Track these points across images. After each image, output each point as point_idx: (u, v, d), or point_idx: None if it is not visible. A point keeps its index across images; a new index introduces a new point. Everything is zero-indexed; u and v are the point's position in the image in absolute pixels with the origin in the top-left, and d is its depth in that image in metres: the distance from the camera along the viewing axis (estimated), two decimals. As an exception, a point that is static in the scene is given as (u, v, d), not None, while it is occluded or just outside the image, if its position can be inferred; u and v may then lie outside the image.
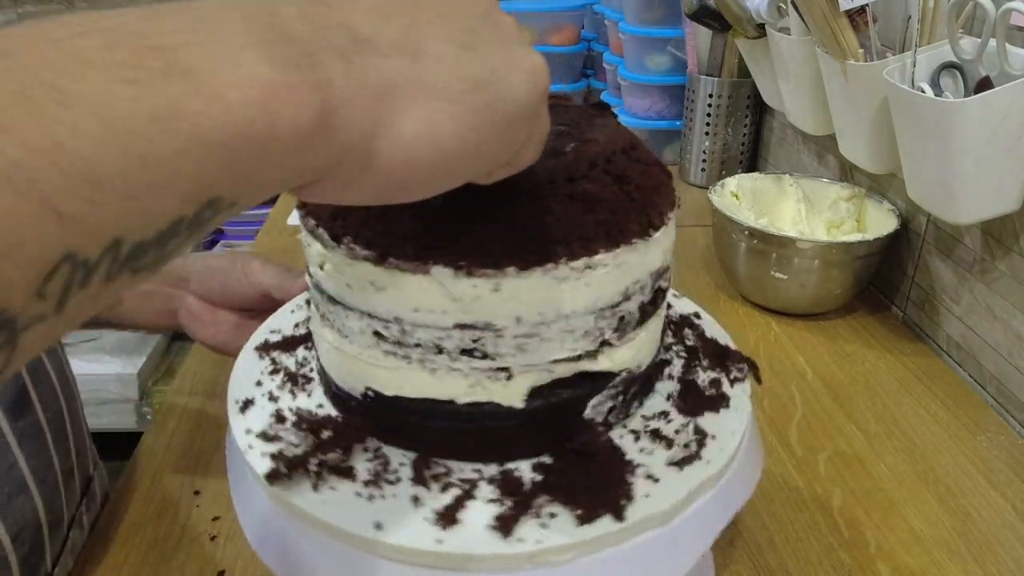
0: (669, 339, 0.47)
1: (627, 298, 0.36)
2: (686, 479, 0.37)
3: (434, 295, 0.33)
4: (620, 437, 0.39)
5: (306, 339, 0.46)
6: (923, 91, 0.66)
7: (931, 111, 0.63)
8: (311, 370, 0.44)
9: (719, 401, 0.42)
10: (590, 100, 1.56)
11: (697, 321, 0.49)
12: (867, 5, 0.72)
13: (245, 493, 0.39)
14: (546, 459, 0.38)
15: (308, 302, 0.41)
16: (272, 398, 0.42)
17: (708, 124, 1.19)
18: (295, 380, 0.43)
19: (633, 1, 1.25)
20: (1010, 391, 0.70)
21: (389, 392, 0.37)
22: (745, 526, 0.57)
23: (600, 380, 0.38)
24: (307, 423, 0.39)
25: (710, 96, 1.17)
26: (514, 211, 0.33)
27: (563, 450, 0.38)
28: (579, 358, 0.36)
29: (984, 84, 0.64)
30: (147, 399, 1.59)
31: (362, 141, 0.23)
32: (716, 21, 1.02)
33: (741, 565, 0.54)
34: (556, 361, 0.36)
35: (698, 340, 0.48)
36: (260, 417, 0.40)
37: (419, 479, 0.37)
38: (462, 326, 0.34)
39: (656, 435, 0.40)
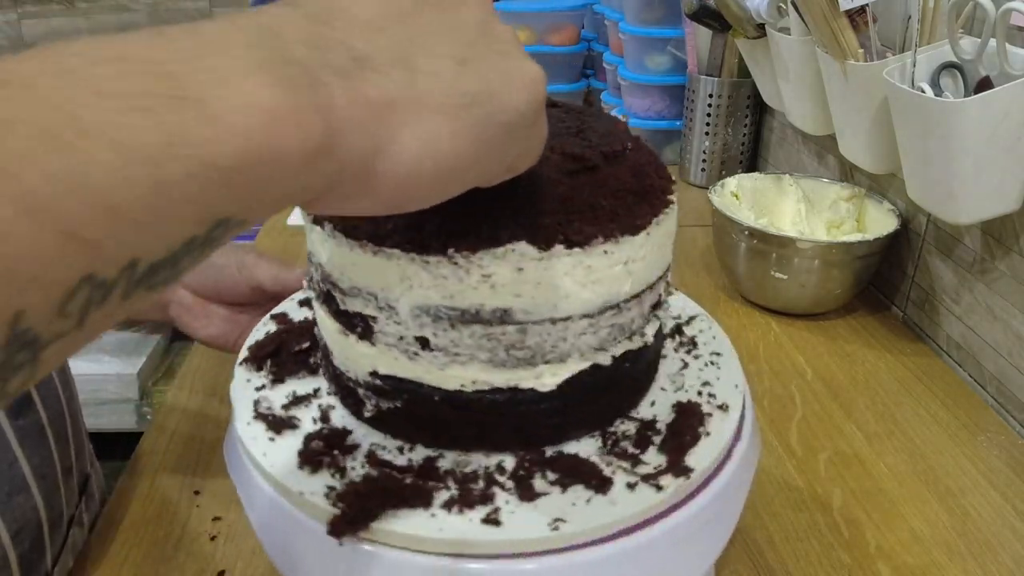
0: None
1: None
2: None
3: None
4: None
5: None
6: (923, 91, 0.66)
7: (931, 111, 0.63)
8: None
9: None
10: (590, 100, 1.56)
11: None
12: (867, 5, 0.72)
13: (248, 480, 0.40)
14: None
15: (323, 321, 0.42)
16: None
17: (708, 124, 1.19)
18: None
19: (633, 1, 1.25)
20: (1010, 391, 0.70)
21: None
22: (745, 526, 0.57)
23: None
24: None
25: (710, 96, 1.17)
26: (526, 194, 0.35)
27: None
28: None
29: (984, 84, 0.64)
30: (147, 399, 1.59)
31: (363, 159, 0.23)
32: (716, 21, 1.02)
33: (741, 565, 0.54)
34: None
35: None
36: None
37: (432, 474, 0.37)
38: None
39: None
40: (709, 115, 1.18)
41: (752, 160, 1.24)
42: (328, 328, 0.39)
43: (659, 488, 0.36)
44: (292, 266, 0.59)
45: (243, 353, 0.46)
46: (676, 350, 0.47)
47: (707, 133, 1.20)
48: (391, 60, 0.24)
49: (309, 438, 0.39)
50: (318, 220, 0.37)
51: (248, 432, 0.40)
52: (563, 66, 1.49)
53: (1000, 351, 0.71)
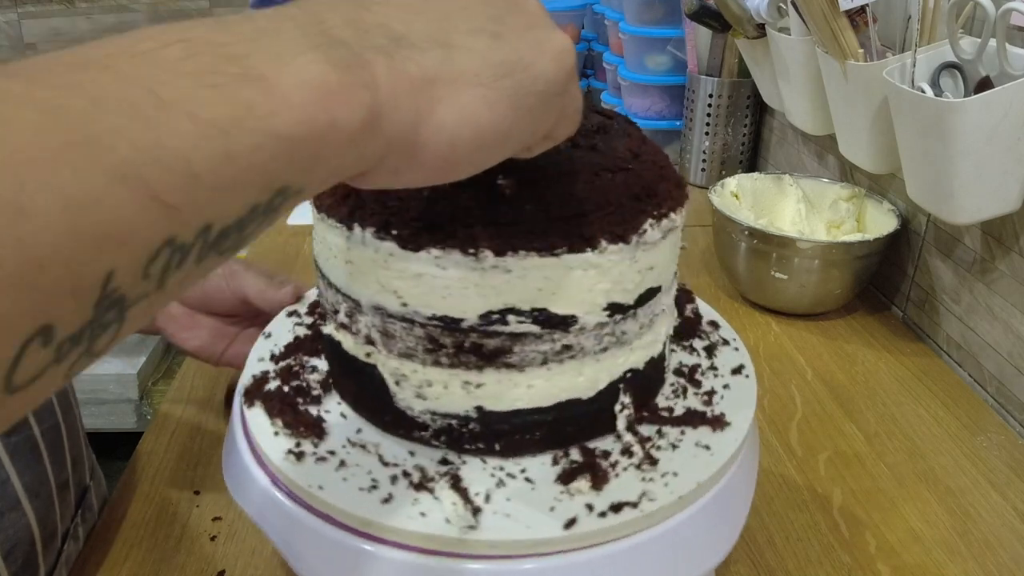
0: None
1: None
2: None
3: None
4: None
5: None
6: (923, 91, 0.66)
7: (931, 111, 0.63)
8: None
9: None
10: (589, 100, 1.56)
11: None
12: (867, 5, 0.72)
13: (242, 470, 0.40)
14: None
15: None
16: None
17: (708, 124, 1.19)
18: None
19: (633, 1, 1.24)
20: (1010, 391, 0.70)
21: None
22: (745, 526, 0.57)
23: None
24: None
25: (710, 96, 1.17)
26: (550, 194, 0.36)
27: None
28: None
29: (984, 84, 0.64)
30: (147, 399, 1.59)
31: (407, 131, 0.25)
32: (716, 21, 1.02)
33: (741, 565, 0.54)
34: None
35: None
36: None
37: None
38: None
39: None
40: (709, 115, 1.18)
41: (752, 160, 1.24)
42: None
43: (651, 500, 0.36)
44: (281, 281, 0.58)
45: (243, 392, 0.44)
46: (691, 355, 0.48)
47: (707, 133, 1.20)
48: (427, 38, 0.25)
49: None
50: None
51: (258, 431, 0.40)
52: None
53: (1000, 351, 0.71)
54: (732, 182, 0.93)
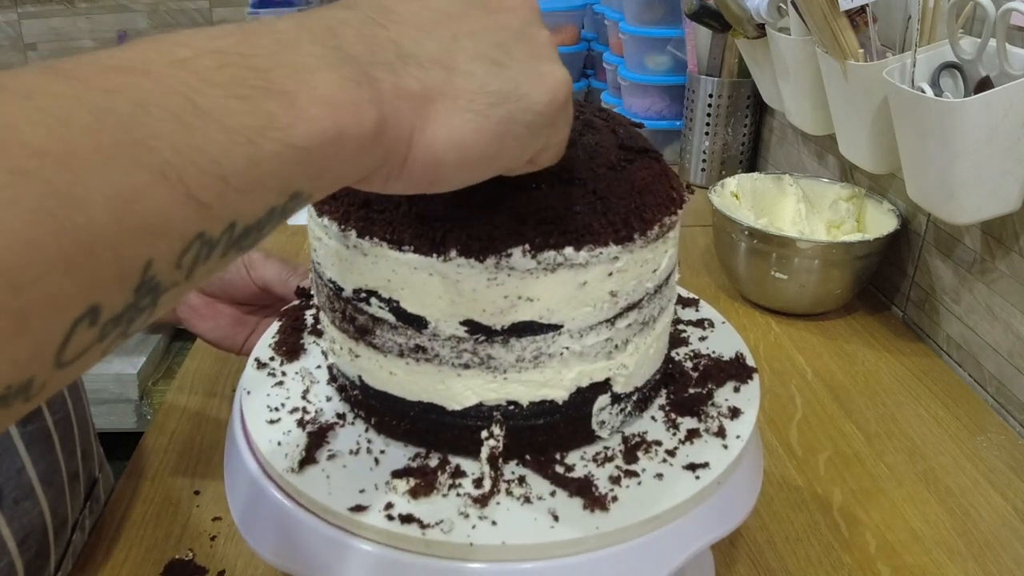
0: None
1: None
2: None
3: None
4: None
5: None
6: (923, 91, 0.66)
7: (931, 111, 0.63)
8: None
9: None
10: (589, 100, 1.56)
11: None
12: (867, 5, 0.72)
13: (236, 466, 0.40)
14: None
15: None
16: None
17: (708, 124, 1.19)
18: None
19: (633, 1, 1.24)
20: (1010, 391, 0.70)
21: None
22: (745, 526, 0.57)
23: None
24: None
25: (710, 96, 1.17)
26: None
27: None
28: None
29: (984, 84, 0.64)
30: (147, 399, 1.59)
31: (403, 144, 0.26)
32: (716, 21, 1.02)
33: (741, 565, 0.54)
34: None
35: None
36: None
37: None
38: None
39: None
40: (709, 115, 1.18)
41: (752, 160, 1.24)
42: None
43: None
44: (300, 268, 0.59)
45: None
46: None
47: (707, 133, 1.20)
48: (432, 58, 0.27)
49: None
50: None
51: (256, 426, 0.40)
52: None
53: (1000, 351, 0.71)
54: (732, 182, 0.93)
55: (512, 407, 0.38)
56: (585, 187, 0.35)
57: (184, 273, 0.22)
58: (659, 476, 0.38)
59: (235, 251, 0.23)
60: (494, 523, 0.35)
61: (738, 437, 0.40)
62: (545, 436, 0.39)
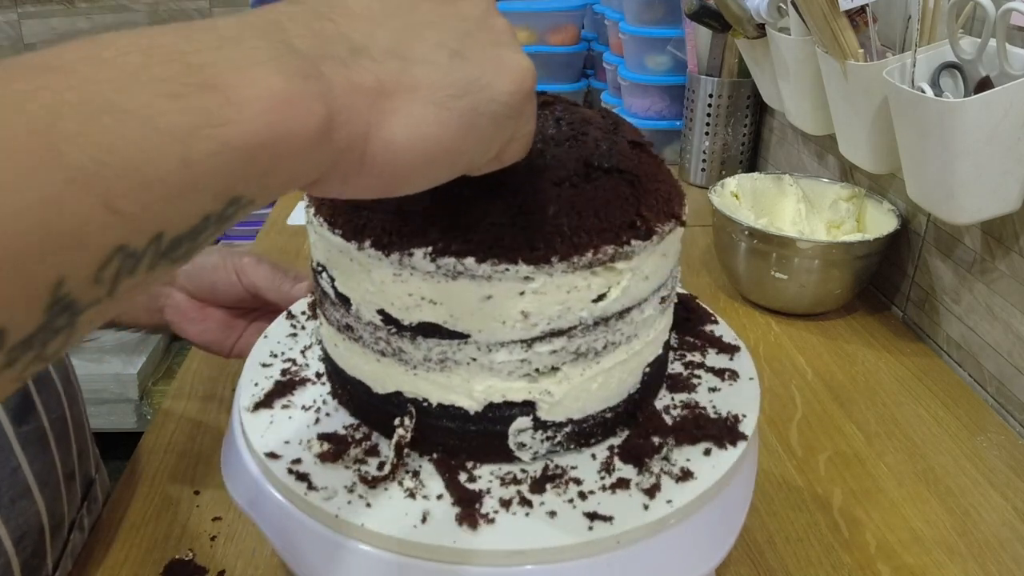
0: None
1: None
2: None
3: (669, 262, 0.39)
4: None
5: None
6: (923, 91, 0.66)
7: (931, 111, 0.63)
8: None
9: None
10: (589, 100, 1.56)
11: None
12: (867, 5, 0.72)
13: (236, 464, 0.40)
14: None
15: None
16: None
17: (708, 124, 1.19)
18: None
19: (633, 1, 1.25)
20: (1010, 391, 0.70)
21: (661, 349, 0.42)
22: (745, 526, 0.57)
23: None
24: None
25: (710, 96, 1.17)
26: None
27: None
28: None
29: (984, 84, 0.64)
30: (147, 399, 1.59)
31: (357, 142, 0.25)
32: (716, 21, 1.02)
33: (741, 565, 0.54)
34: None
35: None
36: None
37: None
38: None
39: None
40: (709, 115, 1.18)
41: (752, 160, 1.24)
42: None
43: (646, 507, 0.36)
44: (292, 272, 0.58)
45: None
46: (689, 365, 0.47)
47: (707, 133, 1.20)
48: (386, 50, 0.26)
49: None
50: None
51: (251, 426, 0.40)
52: (563, 66, 1.49)
53: (1000, 351, 0.71)
54: (732, 182, 0.93)
55: (424, 403, 0.38)
56: (512, 200, 0.34)
57: (105, 289, 0.20)
58: (552, 514, 0.35)
59: (167, 263, 0.22)
60: (368, 504, 0.36)
61: (669, 502, 0.36)
62: (457, 441, 0.38)
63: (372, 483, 0.36)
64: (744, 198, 0.93)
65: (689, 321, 0.50)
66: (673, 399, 0.44)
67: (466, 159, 0.28)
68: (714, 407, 0.43)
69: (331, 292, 0.38)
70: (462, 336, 0.35)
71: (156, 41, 0.21)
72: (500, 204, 0.34)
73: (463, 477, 0.37)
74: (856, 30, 0.73)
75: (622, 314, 0.37)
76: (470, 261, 0.33)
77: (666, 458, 0.39)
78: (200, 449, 0.65)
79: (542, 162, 0.36)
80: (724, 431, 0.41)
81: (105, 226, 0.19)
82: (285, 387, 0.43)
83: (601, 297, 0.35)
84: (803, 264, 0.80)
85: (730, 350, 0.49)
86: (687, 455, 0.39)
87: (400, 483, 0.37)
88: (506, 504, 0.36)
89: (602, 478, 0.38)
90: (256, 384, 0.43)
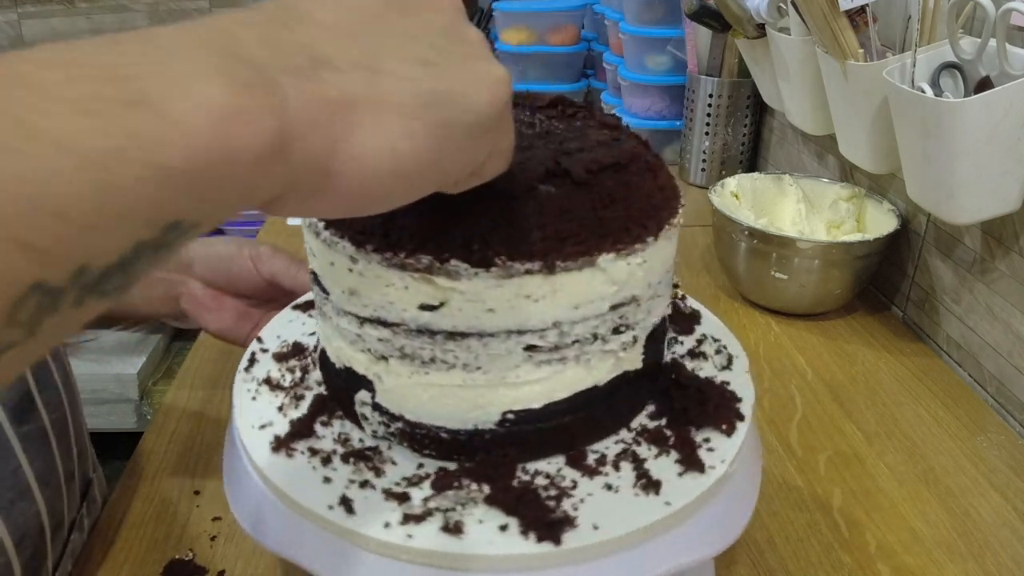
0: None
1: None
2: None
3: (597, 285, 0.35)
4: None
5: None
6: (923, 91, 0.66)
7: (931, 111, 0.63)
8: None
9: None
10: (589, 99, 1.56)
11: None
12: (867, 5, 0.72)
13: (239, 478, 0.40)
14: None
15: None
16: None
17: (708, 124, 1.19)
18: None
19: (633, 1, 1.25)
20: (1010, 391, 0.70)
21: (539, 404, 0.37)
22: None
23: (665, 323, 0.43)
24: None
25: (710, 96, 1.17)
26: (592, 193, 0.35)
27: (669, 392, 0.42)
28: (667, 306, 0.41)
29: (984, 84, 0.64)
30: (147, 399, 1.59)
31: (319, 160, 0.23)
32: (716, 21, 1.02)
33: (741, 565, 0.54)
34: (659, 314, 0.40)
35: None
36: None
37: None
38: (615, 306, 0.36)
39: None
40: (709, 115, 1.18)
41: (752, 160, 1.24)
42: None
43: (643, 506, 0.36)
44: (305, 262, 0.59)
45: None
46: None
47: (707, 133, 1.20)
48: (352, 62, 0.24)
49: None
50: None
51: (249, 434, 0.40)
52: (563, 66, 1.49)
53: (1000, 351, 0.71)
54: (732, 182, 0.93)
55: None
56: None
57: (24, 331, 0.18)
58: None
59: (95, 298, 0.19)
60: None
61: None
62: (338, 396, 0.42)
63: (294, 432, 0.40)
64: (744, 198, 0.93)
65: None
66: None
67: (439, 175, 0.27)
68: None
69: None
70: (326, 292, 0.38)
71: (80, 53, 0.19)
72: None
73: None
74: (856, 30, 0.73)
75: (454, 335, 0.35)
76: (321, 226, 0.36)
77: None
78: (200, 449, 0.65)
79: None
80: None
81: (16, 263, 0.17)
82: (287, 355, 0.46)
83: (429, 308, 0.34)
84: (803, 264, 0.80)
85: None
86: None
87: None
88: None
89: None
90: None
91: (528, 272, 0.33)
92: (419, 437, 0.38)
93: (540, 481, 0.37)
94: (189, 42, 0.21)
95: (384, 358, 0.37)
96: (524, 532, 0.34)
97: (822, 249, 0.80)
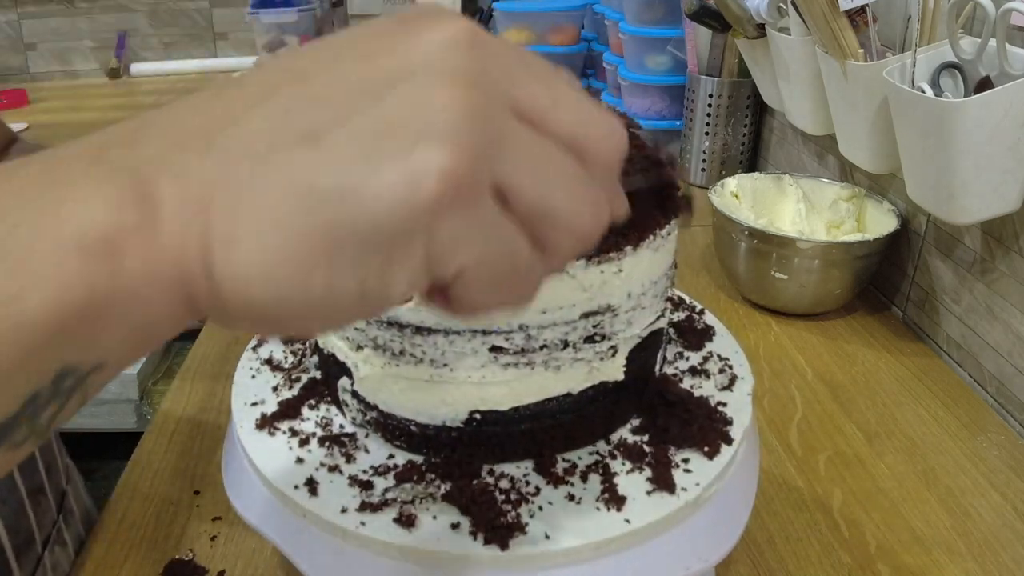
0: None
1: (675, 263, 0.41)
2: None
3: (565, 291, 0.35)
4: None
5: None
6: (923, 91, 0.66)
7: (931, 111, 0.63)
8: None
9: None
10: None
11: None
12: (867, 5, 0.72)
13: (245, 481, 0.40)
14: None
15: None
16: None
17: (708, 124, 1.19)
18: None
19: (633, 1, 1.25)
20: (1010, 391, 0.70)
21: (506, 406, 0.37)
22: (745, 526, 0.57)
23: (659, 336, 0.42)
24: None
25: (710, 96, 1.17)
26: None
27: (655, 408, 0.41)
28: (657, 319, 0.40)
29: (984, 84, 0.64)
30: (147, 399, 1.59)
31: (201, 276, 0.19)
32: (716, 21, 1.02)
33: (741, 565, 0.54)
34: (646, 327, 0.39)
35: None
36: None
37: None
38: (587, 314, 0.36)
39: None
40: (709, 115, 1.18)
41: (752, 160, 1.24)
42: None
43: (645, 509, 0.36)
44: None
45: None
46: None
47: (707, 133, 1.20)
48: (243, 143, 0.19)
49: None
50: None
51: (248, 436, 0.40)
52: (563, 66, 1.49)
53: (1000, 351, 0.71)
54: (732, 182, 0.93)
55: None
56: None
57: None
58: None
59: (6, 449, 0.18)
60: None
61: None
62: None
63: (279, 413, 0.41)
64: (744, 198, 0.93)
65: None
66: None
67: (333, 301, 0.19)
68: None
69: None
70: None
71: None
72: None
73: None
74: (856, 30, 0.73)
75: (421, 330, 0.35)
76: None
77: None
78: (200, 449, 0.65)
79: None
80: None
81: None
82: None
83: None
84: (803, 264, 0.80)
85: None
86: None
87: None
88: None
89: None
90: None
91: None
92: (391, 428, 0.39)
93: (503, 484, 0.37)
94: (70, 160, 0.19)
95: (361, 347, 0.38)
96: (473, 533, 0.34)
97: (822, 249, 0.80)
